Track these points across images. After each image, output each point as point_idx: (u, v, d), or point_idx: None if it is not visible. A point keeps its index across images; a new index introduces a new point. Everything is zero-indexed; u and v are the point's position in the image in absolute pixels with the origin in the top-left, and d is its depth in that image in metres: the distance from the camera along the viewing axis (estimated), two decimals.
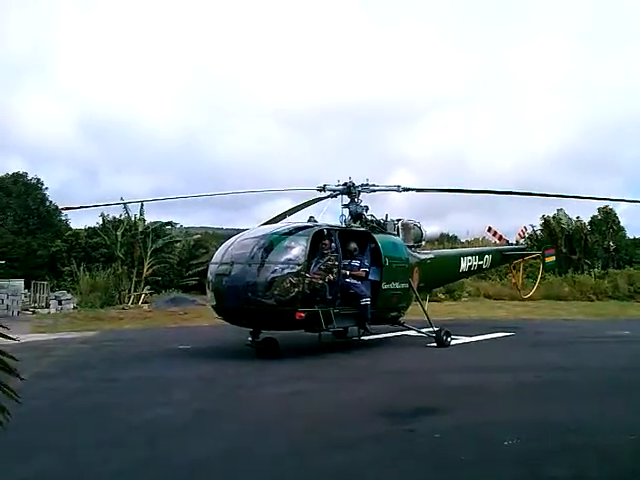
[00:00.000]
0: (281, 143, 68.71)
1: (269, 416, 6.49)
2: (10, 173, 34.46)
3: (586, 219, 36.94)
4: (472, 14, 73.00)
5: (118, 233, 27.36)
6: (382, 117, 72.52)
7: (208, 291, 11.14)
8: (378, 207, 13.28)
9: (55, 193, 36.22)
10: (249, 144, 65.81)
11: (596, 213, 37.12)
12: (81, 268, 25.39)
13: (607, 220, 36.77)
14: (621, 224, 37.92)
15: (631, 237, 39.71)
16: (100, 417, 6.40)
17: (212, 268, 10.92)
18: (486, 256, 16.57)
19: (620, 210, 37.89)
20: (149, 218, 29.29)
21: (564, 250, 34.26)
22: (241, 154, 67.61)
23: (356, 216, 12.51)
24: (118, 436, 5.60)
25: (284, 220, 12.66)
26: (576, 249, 34.99)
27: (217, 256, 11.09)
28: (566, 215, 36.26)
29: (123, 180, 61.46)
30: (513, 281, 20.04)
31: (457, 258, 15.81)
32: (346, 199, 12.77)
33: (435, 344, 11.90)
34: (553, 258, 19.94)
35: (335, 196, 12.86)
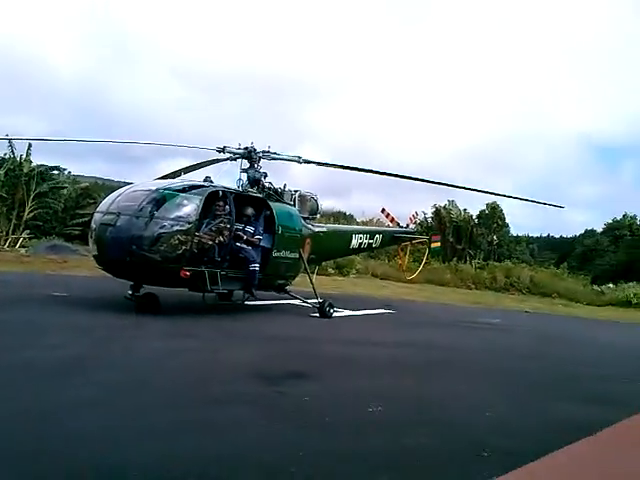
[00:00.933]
0: (183, 99, 66.76)
1: (143, 369, 6.36)
2: None
3: (474, 212, 39.03)
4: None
5: (1, 172, 25.57)
6: (290, 91, 72.33)
7: (90, 240, 10.63)
8: (280, 178, 13.28)
9: None
10: (150, 94, 63.30)
11: (484, 208, 39.24)
12: None
13: (493, 215, 38.98)
14: (506, 220, 40.41)
15: (514, 234, 42.57)
16: None
17: (97, 217, 10.41)
18: (377, 236, 17.09)
19: (506, 208, 40.32)
20: (36, 160, 27.63)
21: (451, 239, 36.11)
22: (141, 102, 65.02)
23: (254, 181, 12.39)
24: None
25: (179, 177, 12.30)
26: (462, 239, 36.94)
27: (103, 205, 10.56)
28: (456, 206, 38.10)
29: (12, 117, 57.15)
30: (399, 262, 20.80)
31: (349, 234, 16.17)
32: (245, 164, 12.59)
33: (318, 315, 12.16)
34: (439, 244, 21.03)
35: (235, 159, 12.64)
